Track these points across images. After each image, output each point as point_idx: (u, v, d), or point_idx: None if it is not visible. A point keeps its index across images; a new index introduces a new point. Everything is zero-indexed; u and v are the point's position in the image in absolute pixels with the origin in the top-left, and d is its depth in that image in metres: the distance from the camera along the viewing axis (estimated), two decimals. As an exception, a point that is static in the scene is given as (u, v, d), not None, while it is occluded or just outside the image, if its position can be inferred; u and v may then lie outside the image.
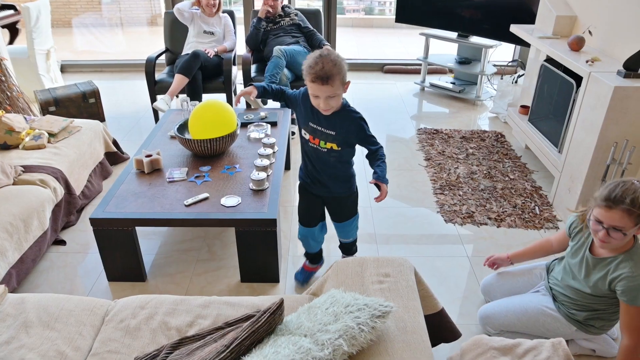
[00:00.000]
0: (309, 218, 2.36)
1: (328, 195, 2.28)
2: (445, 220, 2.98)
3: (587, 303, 1.91)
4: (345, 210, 2.33)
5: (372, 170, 2.07)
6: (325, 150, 2.09)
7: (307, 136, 2.12)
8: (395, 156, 3.79)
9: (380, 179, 2.01)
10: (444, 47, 5.52)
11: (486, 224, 2.94)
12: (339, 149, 2.07)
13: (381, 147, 2.09)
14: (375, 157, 2.08)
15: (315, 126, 2.06)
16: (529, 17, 4.13)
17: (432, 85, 5.11)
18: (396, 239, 2.83)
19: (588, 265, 1.85)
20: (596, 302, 1.88)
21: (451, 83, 5.09)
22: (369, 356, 1.34)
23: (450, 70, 5.59)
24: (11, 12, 5.28)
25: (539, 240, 2.25)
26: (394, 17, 5.18)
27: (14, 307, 1.81)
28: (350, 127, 2.03)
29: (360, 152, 2.11)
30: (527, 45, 3.96)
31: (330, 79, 1.82)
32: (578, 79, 2.91)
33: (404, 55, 6.05)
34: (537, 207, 3.09)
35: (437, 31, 5.01)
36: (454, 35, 4.88)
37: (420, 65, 5.58)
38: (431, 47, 5.13)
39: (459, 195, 3.21)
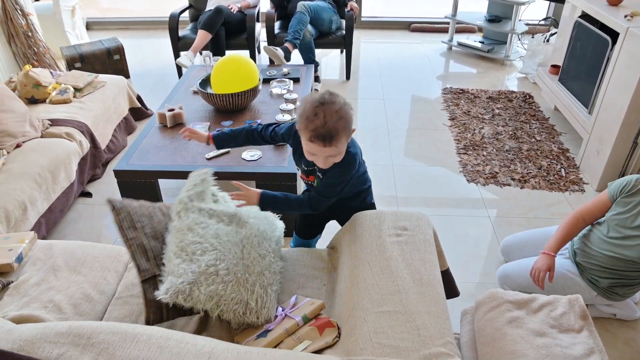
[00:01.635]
0: (309, 230, 2.02)
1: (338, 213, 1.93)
2: (467, 180, 2.94)
3: (622, 270, 1.80)
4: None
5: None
6: None
7: (299, 172, 1.80)
8: (418, 115, 3.73)
9: (263, 197, 1.61)
10: (474, 4, 5.33)
11: (509, 184, 2.89)
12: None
13: (320, 198, 1.62)
14: (303, 196, 1.65)
15: (309, 167, 1.70)
16: (565, -28, 3.93)
17: (460, 44, 4.96)
18: (417, 201, 2.82)
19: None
20: (635, 269, 1.80)
21: (480, 42, 4.93)
22: (383, 304, 1.35)
23: (479, 29, 5.41)
24: (36, -33, 5.27)
25: (568, 221, 1.93)
26: (423, -28, 4.99)
27: (43, 252, 1.88)
28: (338, 171, 1.62)
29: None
30: (562, 1, 3.80)
31: (334, 139, 1.42)
32: (614, 35, 2.78)
33: (432, 13, 5.85)
34: (563, 169, 3.02)
35: (467, -13, 4.82)
36: (484, -9, 4.70)
37: (448, 23, 5.40)
38: (460, 4, 4.95)
39: (483, 155, 3.15)
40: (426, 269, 1.48)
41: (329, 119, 1.40)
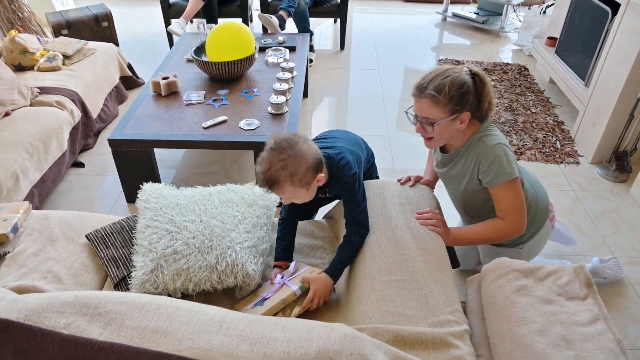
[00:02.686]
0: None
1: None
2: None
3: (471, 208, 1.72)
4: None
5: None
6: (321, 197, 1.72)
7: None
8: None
9: (334, 277, 1.49)
10: (469, -26, 5.25)
11: (506, 156, 2.90)
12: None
13: (366, 230, 1.53)
14: (350, 233, 1.54)
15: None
16: (564, -59, 3.87)
17: (455, 15, 4.90)
18: (415, 172, 2.81)
19: (444, 164, 1.69)
20: (476, 202, 1.69)
21: (475, 13, 4.87)
22: (390, 273, 1.35)
23: (474, 0, 5.34)
24: None
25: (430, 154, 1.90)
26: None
27: (38, 223, 1.85)
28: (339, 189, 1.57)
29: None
30: (560, -29, 3.75)
31: (274, 187, 1.40)
32: (615, 6, 2.76)
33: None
34: (558, 142, 3.03)
35: (463, -44, 4.74)
36: (481, -40, 4.62)
37: (443, -7, 5.33)
38: (456, -27, 4.88)
39: (479, 127, 3.15)
40: (431, 238, 1.48)
41: (272, 166, 1.38)
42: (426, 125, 1.52)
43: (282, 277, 1.53)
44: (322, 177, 1.46)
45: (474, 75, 1.51)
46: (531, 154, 2.91)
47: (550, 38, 3.67)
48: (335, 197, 1.90)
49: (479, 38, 4.59)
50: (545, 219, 1.76)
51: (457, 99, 1.46)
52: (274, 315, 1.41)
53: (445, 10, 5.00)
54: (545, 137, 3.07)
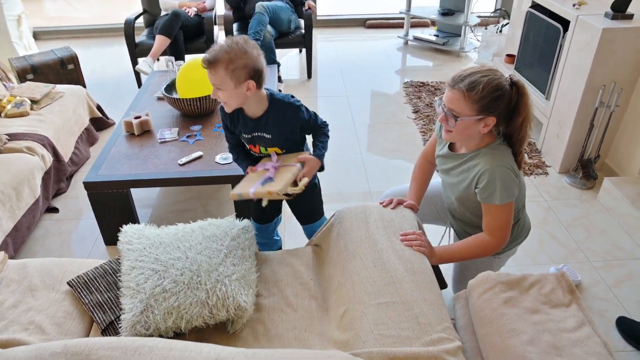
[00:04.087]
0: (267, 214, 2.07)
1: None
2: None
3: (467, 214, 1.72)
4: (311, 206, 2.04)
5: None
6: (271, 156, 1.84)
7: (247, 147, 1.88)
8: (381, 110, 3.78)
9: (317, 157, 1.76)
10: (426, -1, 5.45)
11: (477, 172, 2.97)
12: (284, 151, 1.82)
13: (326, 124, 1.85)
14: (320, 134, 1.83)
15: (248, 135, 1.79)
16: (513, -36, 4.08)
17: (416, 38, 5.06)
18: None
19: (447, 161, 1.70)
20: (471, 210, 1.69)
21: (434, 35, 5.04)
22: (380, 296, 1.37)
23: (433, 23, 5.53)
24: (-25, -23, 5.03)
25: (415, 167, 1.91)
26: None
27: (16, 273, 1.80)
28: (283, 121, 1.74)
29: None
30: (512, -8, 3.93)
31: (212, 64, 1.54)
32: (565, 23, 2.91)
33: (386, 9, 5.94)
34: (526, 154, 3.13)
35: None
36: (436, -14, 4.81)
37: (402, 18, 5.50)
38: (413, -1, 5.06)
39: (450, 145, 3.23)
40: (417, 259, 1.51)
41: (220, 48, 1.55)
42: (450, 117, 1.48)
43: (273, 166, 1.74)
44: (253, 85, 1.60)
45: (513, 84, 1.46)
46: (501, 168, 2.99)
47: (508, 55, 3.82)
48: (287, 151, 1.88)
49: (441, 59, 4.75)
50: (528, 231, 1.82)
51: (487, 101, 1.42)
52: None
53: (406, 34, 5.16)
54: (513, 150, 3.16)
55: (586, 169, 2.87)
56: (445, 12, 4.92)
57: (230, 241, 1.65)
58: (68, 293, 1.71)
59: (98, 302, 1.63)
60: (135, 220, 2.43)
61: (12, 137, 2.74)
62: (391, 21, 5.67)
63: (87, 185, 2.26)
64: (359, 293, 1.40)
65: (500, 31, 4.40)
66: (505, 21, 4.44)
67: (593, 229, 2.55)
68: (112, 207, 2.36)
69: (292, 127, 1.75)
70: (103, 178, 2.26)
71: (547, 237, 2.50)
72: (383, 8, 6.05)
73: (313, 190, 1.99)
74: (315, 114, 1.81)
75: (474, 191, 1.56)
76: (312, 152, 1.80)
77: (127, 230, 1.68)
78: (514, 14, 3.80)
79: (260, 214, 2.07)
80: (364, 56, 4.85)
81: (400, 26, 5.59)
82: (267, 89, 1.74)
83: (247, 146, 1.85)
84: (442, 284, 1.89)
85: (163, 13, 4.19)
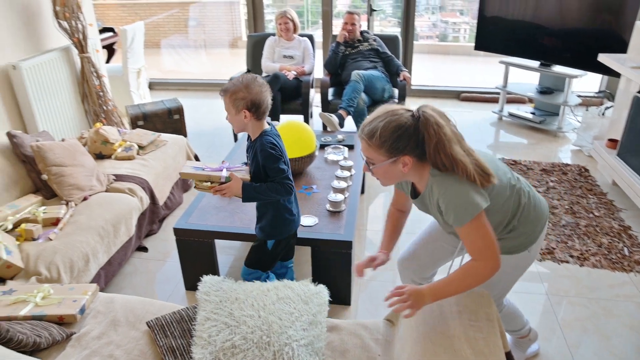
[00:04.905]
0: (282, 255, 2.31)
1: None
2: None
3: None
4: (252, 251, 2.22)
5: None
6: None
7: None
8: (470, 185, 3.70)
9: (245, 185, 1.97)
10: (524, 75, 5.38)
11: (567, 261, 2.80)
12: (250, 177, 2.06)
13: (286, 183, 1.98)
14: (274, 182, 1.99)
15: (247, 153, 2.13)
16: (619, 46, 3.95)
17: (511, 114, 4.98)
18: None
19: (418, 205, 1.69)
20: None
21: (531, 113, 4.93)
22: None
23: (530, 100, 5.43)
24: (110, 34, 5.73)
25: (388, 217, 1.90)
26: (470, 44, 5.13)
27: (104, 305, 1.93)
28: (258, 154, 1.98)
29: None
30: (617, 75, 3.79)
31: (223, 93, 1.94)
32: (676, 113, 2.74)
33: (481, 83, 5.94)
34: (626, 248, 2.90)
35: (517, 59, 4.89)
36: (535, 64, 4.75)
37: (498, 93, 5.46)
38: (511, 75, 5.02)
39: (539, 229, 3.08)
40: (490, 351, 1.43)
41: (233, 82, 1.95)
42: (368, 165, 1.52)
43: (226, 166, 2.08)
44: (249, 115, 1.93)
45: (417, 117, 1.45)
46: (596, 260, 2.79)
47: (611, 140, 3.64)
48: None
49: (537, 138, 4.61)
50: (547, 217, 1.73)
51: (390, 143, 1.43)
52: (198, 181, 2.02)
53: (501, 110, 5.10)
54: (610, 242, 2.95)
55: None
56: (544, 91, 4.82)
57: (303, 305, 1.66)
58: (146, 333, 1.80)
59: (171, 346, 1.70)
60: (215, 269, 2.52)
61: (118, 178, 3.00)
62: (486, 95, 5.64)
63: (177, 231, 2.41)
64: (427, 379, 1.35)
65: (604, 114, 4.21)
66: (610, 104, 4.25)
67: (701, 342, 2.28)
68: (196, 254, 2.47)
69: (260, 164, 1.99)
70: (192, 226, 2.39)
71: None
72: (478, 82, 6.05)
73: (259, 242, 2.19)
74: (284, 170, 2.00)
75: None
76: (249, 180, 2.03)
77: (207, 281, 1.76)
78: (619, 97, 3.65)
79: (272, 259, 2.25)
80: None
81: (495, 101, 5.54)
82: (270, 124, 2.09)
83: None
84: None
85: (264, 74, 4.49)
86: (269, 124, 2.08)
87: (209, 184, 2.01)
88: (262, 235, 2.17)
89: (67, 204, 2.67)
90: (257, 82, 1.96)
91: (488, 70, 7.31)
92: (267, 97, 1.99)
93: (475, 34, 5.03)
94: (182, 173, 2.08)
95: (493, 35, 4.92)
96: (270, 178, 1.99)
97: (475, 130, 4.77)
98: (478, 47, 5.06)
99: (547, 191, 3.55)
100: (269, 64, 4.50)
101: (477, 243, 1.46)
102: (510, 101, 5.49)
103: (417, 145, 1.45)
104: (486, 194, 1.48)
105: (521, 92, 4.88)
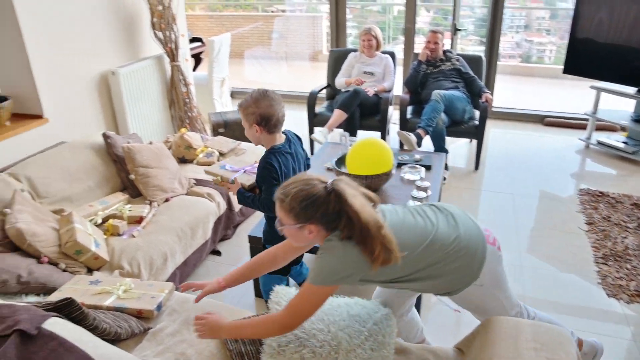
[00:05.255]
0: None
1: None
2: (607, 295, 2.68)
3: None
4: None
5: None
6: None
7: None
8: (549, 215, 3.53)
9: (238, 192, 2.19)
10: (617, 102, 5.07)
11: (658, 305, 2.59)
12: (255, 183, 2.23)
13: (267, 203, 2.09)
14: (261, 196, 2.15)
15: None
16: None
17: (600, 143, 4.70)
18: (546, 305, 2.62)
19: None
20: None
21: (623, 142, 4.62)
22: None
23: (623, 129, 5.10)
24: (199, 44, 6.02)
25: (259, 255, 1.86)
26: (556, 66, 4.90)
27: (179, 304, 2.02)
28: (259, 165, 2.16)
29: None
30: None
31: (239, 108, 2.09)
32: None
33: (567, 108, 5.65)
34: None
35: (611, 85, 4.62)
36: (632, 90, 4.46)
37: (586, 120, 5.17)
38: (601, 101, 4.74)
39: (627, 269, 2.87)
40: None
41: (246, 99, 2.10)
42: (280, 224, 1.55)
43: (247, 168, 2.36)
44: (259, 129, 2.08)
45: (332, 191, 1.47)
46: (691, 307, 2.56)
47: None
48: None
49: (628, 169, 4.32)
50: (484, 252, 1.67)
51: (297, 210, 1.47)
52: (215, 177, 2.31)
53: (589, 137, 4.83)
54: None
55: None
56: (639, 119, 4.52)
57: (373, 325, 1.65)
58: (216, 336, 1.85)
59: (241, 351, 1.73)
60: (286, 279, 2.56)
61: (198, 182, 3.14)
62: (573, 121, 5.37)
63: (251, 239, 2.47)
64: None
65: None
66: None
67: None
68: (268, 262, 2.52)
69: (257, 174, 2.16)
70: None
71: None
72: (564, 107, 5.77)
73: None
74: (269, 191, 2.07)
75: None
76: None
77: (279, 291, 1.79)
78: None
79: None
80: (537, 154, 4.62)
81: (583, 127, 5.25)
82: (286, 133, 2.23)
83: None
84: None
85: (344, 89, 4.53)
86: (284, 134, 2.21)
87: (219, 179, 2.29)
88: (263, 239, 2.35)
89: (150, 204, 2.82)
90: (266, 96, 2.07)
91: (575, 95, 6.95)
92: (277, 110, 2.08)
93: (564, 56, 4.80)
94: (206, 170, 2.37)
95: (585, 59, 4.67)
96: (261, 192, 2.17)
97: (559, 157, 4.54)
98: (568, 70, 4.82)
99: (638, 227, 3.30)
100: (339, 80, 4.55)
101: (298, 302, 1.51)
102: (599, 128, 5.19)
103: (324, 215, 1.48)
104: (370, 273, 1.50)
105: (613, 119, 4.60)
